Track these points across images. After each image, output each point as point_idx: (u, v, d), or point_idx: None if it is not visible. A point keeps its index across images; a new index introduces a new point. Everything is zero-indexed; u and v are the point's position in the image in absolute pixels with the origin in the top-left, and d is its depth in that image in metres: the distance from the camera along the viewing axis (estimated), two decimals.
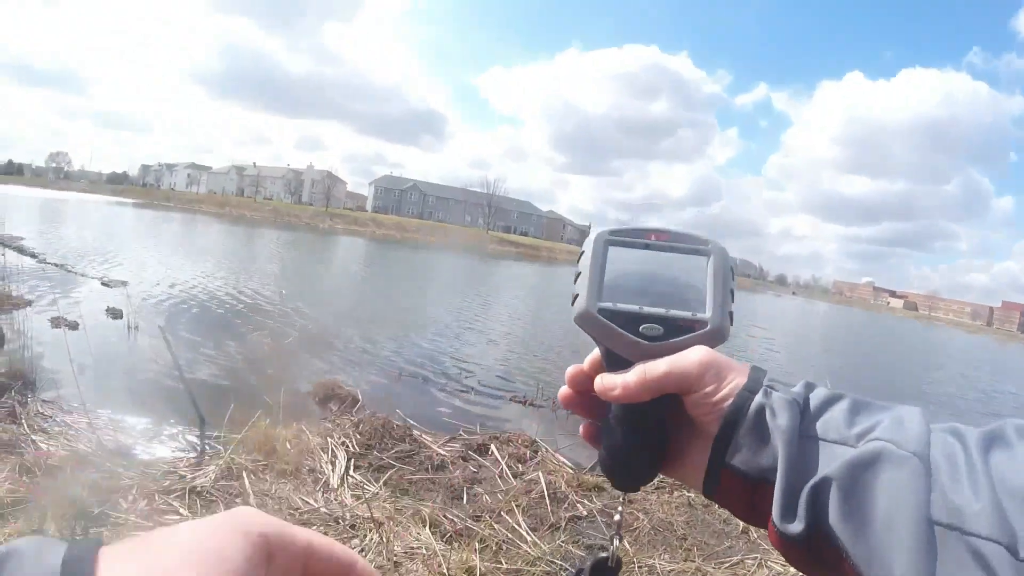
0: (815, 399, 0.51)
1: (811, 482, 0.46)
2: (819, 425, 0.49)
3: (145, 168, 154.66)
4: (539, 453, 5.73)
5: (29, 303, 10.01)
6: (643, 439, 0.58)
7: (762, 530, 0.51)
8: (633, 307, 0.57)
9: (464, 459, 5.52)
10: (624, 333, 0.56)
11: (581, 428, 0.64)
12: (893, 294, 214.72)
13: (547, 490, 4.81)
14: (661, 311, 0.57)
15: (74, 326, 8.69)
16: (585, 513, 4.66)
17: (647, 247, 0.60)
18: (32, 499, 3.49)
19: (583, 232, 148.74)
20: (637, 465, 0.59)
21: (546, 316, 20.38)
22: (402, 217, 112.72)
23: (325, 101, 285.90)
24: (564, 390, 0.63)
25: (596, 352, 0.61)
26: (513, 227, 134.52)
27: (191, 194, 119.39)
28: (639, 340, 0.56)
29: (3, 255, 10.97)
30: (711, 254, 0.59)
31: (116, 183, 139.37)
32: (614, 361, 0.58)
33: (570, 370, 0.62)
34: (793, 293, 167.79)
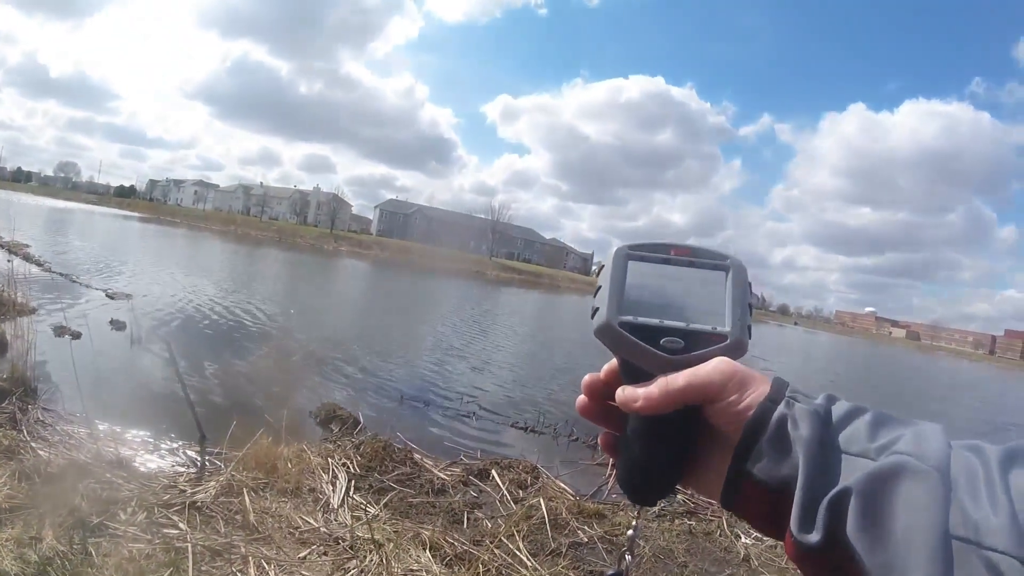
0: (837, 411, 0.51)
1: (831, 493, 0.46)
2: (841, 437, 0.49)
3: (153, 183, 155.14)
4: (540, 479, 5.70)
5: (33, 311, 10.00)
6: (663, 451, 0.58)
7: (775, 546, 0.51)
8: (654, 320, 0.57)
9: (465, 483, 5.49)
10: (645, 346, 0.56)
11: (599, 437, 0.64)
12: (895, 324, 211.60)
13: (548, 516, 4.76)
14: (681, 324, 0.57)
15: (77, 336, 8.70)
16: (586, 540, 4.62)
17: (667, 262, 0.60)
18: (30, 505, 3.46)
19: (585, 260, 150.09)
20: (656, 478, 0.59)
21: (547, 343, 20.35)
22: (406, 241, 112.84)
23: (333, 124, 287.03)
24: (581, 399, 0.62)
25: (613, 361, 0.60)
26: (516, 254, 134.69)
27: (197, 211, 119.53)
28: (660, 353, 0.56)
29: (10, 262, 11.03)
30: (730, 269, 0.59)
31: (123, 196, 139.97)
32: (633, 373, 0.57)
33: (586, 379, 0.62)
34: (795, 323, 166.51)
